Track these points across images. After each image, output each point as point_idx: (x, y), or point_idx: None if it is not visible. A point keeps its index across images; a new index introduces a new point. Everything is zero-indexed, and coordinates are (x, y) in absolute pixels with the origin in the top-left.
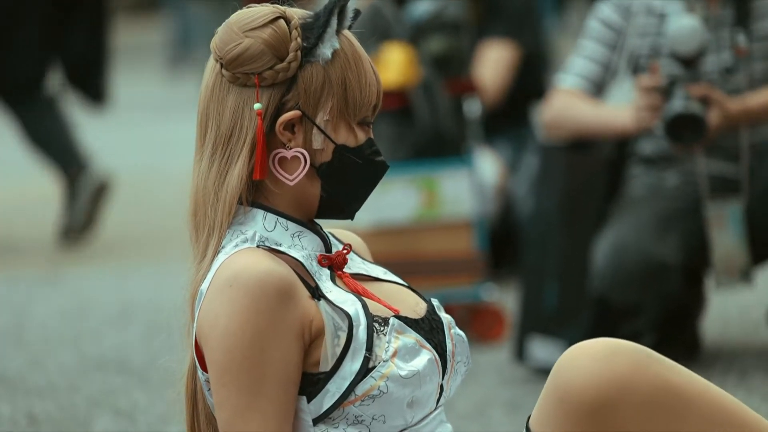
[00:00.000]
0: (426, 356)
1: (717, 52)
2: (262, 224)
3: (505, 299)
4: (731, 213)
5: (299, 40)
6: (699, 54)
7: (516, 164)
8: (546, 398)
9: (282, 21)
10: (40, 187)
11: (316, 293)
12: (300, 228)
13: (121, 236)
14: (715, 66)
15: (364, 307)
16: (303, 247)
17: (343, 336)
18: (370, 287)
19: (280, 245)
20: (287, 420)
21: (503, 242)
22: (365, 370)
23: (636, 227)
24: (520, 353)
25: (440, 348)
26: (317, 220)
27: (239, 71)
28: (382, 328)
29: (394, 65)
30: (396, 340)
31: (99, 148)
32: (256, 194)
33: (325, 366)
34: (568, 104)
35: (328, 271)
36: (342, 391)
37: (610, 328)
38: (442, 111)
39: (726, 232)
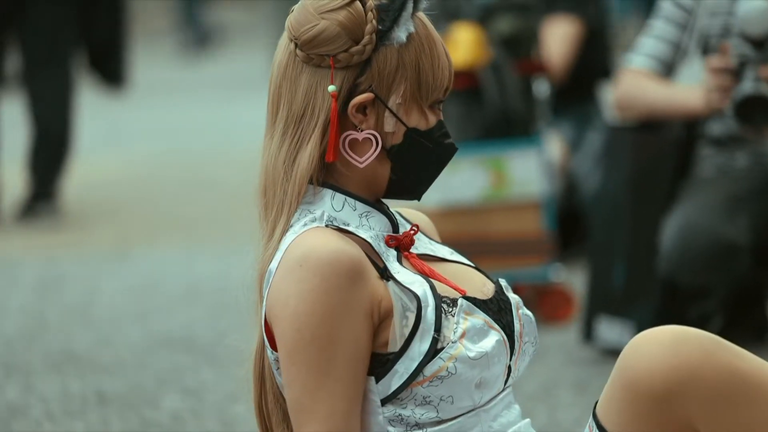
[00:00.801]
0: (495, 337)
1: None
2: (330, 204)
3: (573, 280)
4: None
5: (374, 22)
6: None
7: (578, 142)
8: (613, 385)
9: (358, 3)
10: (108, 165)
11: (385, 274)
12: (368, 208)
13: (189, 215)
14: None
15: (432, 288)
16: (371, 227)
17: (412, 317)
18: (436, 268)
19: (348, 225)
20: (356, 400)
21: (567, 221)
22: (434, 351)
23: (705, 208)
24: (587, 334)
25: (508, 329)
26: (385, 200)
27: (314, 52)
28: (450, 309)
29: (463, 45)
30: (464, 321)
31: (161, 128)
32: (326, 175)
33: (394, 347)
34: (637, 84)
35: (395, 252)
36: (410, 372)
37: (679, 310)
38: (511, 91)
39: None
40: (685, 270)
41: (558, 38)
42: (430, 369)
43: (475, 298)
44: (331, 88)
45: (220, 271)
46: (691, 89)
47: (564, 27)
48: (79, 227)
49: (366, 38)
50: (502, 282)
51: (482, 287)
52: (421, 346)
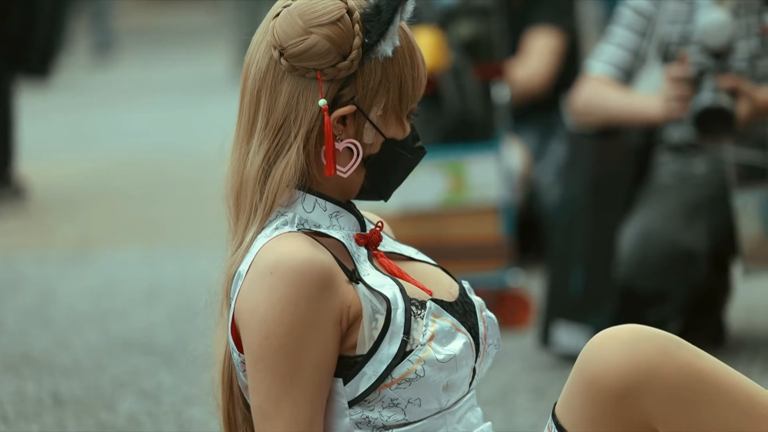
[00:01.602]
0: (462, 340)
1: (746, 38)
2: (301, 206)
3: (531, 285)
4: (759, 200)
5: (361, 35)
6: (728, 47)
7: (541, 152)
8: (572, 384)
9: (347, 17)
10: (69, 166)
11: (354, 276)
12: (337, 208)
13: (150, 217)
14: (744, 53)
15: (402, 290)
16: (341, 227)
17: (381, 319)
18: (404, 267)
19: (320, 226)
20: (320, 406)
21: (528, 231)
22: (402, 354)
23: (663, 214)
24: (545, 339)
25: (473, 331)
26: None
27: (300, 65)
28: (419, 312)
29: (423, 50)
30: (433, 323)
31: (123, 130)
32: (300, 178)
33: (362, 349)
34: (597, 92)
35: (365, 251)
36: (379, 374)
37: (636, 315)
38: (470, 96)
39: (753, 220)
40: (643, 276)
41: (540, 51)
42: (398, 371)
43: (442, 301)
44: (322, 102)
45: (181, 273)
46: (650, 98)
47: (546, 39)
48: (39, 228)
49: (354, 53)
50: (465, 284)
51: (449, 288)
52: (389, 349)
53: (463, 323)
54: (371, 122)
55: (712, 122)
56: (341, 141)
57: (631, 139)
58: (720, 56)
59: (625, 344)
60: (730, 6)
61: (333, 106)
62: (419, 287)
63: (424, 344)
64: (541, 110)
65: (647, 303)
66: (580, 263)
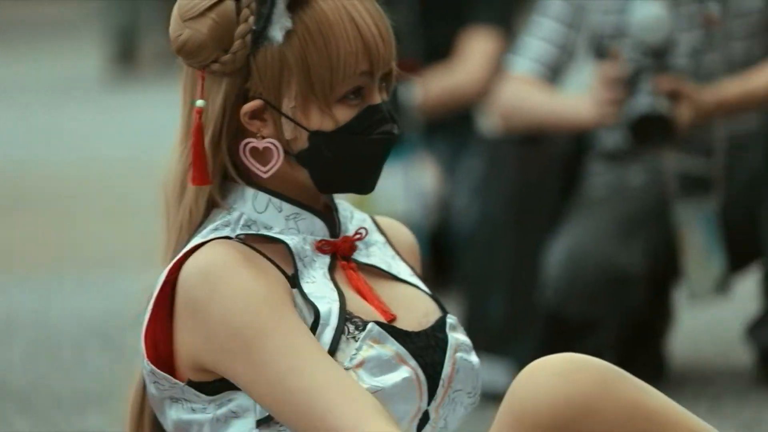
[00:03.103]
0: (403, 374)
1: (688, 30)
2: (251, 204)
3: None
4: (703, 215)
5: (250, 21)
6: (667, 43)
7: (453, 169)
8: (499, 423)
9: (228, 3)
10: None
11: (293, 281)
12: (296, 209)
13: (1, 240)
14: (686, 48)
15: (342, 307)
16: (299, 231)
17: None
18: (381, 285)
19: (271, 229)
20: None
21: (439, 256)
22: None
23: (595, 231)
24: None
25: (431, 368)
26: (343, 202)
27: (187, 62)
28: (356, 333)
29: None
30: (368, 348)
31: None
32: (250, 174)
33: None
34: (521, 94)
35: (327, 259)
36: None
37: (564, 346)
38: None
39: (698, 237)
40: (573, 301)
41: (477, 54)
42: None
43: (394, 327)
44: (199, 102)
45: (39, 304)
46: (579, 99)
47: (484, 41)
48: None
49: (236, 44)
50: (450, 319)
51: (422, 317)
52: None
53: (417, 356)
54: (284, 115)
55: (650, 129)
56: (261, 139)
57: (559, 145)
58: (658, 54)
59: (557, 375)
60: (666, 2)
61: (243, 101)
62: (379, 309)
63: (348, 369)
64: (453, 119)
65: (577, 332)
66: (500, 287)
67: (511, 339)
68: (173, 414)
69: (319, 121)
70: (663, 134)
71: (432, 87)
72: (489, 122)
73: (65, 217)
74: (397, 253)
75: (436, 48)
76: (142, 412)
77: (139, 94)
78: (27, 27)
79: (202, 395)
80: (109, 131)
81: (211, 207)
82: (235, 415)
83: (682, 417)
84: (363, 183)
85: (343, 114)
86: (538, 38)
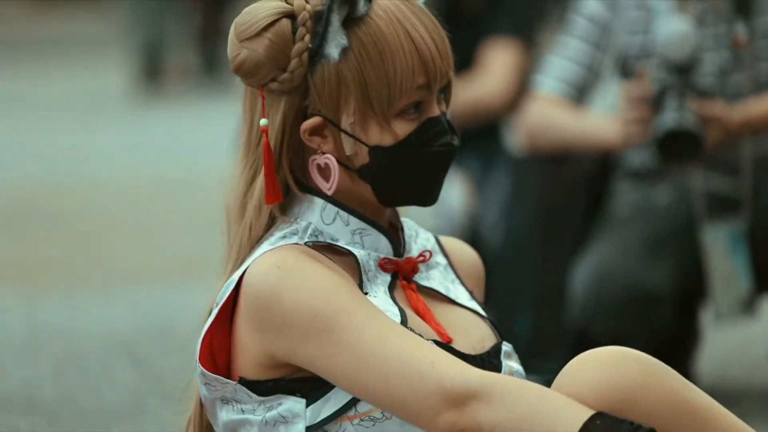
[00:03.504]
0: None
1: (715, 50)
2: (319, 216)
3: None
4: (731, 235)
5: (306, 39)
6: (693, 60)
7: (483, 184)
8: None
9: (284, 22)
10: None
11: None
12: (363, 225)
13: (26, 256)
14: (713, 66)
15: (403, 322)
16: (363, 246)
17: None
18: (439, 309)
19: (337, 241)
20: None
21: None
22: None
23: (622, 251)
24: None
25: None
26: (406, 220)
27: (246, 82)
28: None
29: None
30: None
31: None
32: (313, 190)
33: None
34: (547, 114)
35: (388, 278)
36: (343, 403)
37: None
38: None
39: (725, 257)
40: (599, 320)
41: (499, 66)
42: (364, 406)
43: (451, 347)
44: (263, 122)
45: (67, 319)
46: (607, 120)
47: (506, 53)
48: None
49: (293, 62)
50: (506, 347)
51: (478, 342)
52: None
53: None
54: (343, 131)
55: (678, 146)
56: (321, 155)
57: (585, 164)
58: (684, 71)
59: (604, 364)
60: (695, 14)
61: (303, 119)
62: (437, 331)
63: None
64: (482, 134)
65: None
66: (527, 306)
67: (537, 358)
68: (224, 415)
69: (378, 136)
70: (691, 150)
71: (454, 99)
72: (515, 140)
73: (92, 234)
74: (458, 276)
75: (460, 61)
76: (201, 418)
77: (164, 111)
78: (53, 44)
79: (254, 395)
80: (136, 148)
81: (272, 221)
82: (284, 420)
83: (726, 416)
84: (426, 195)
85: (403, 128)
86: (564, 58)
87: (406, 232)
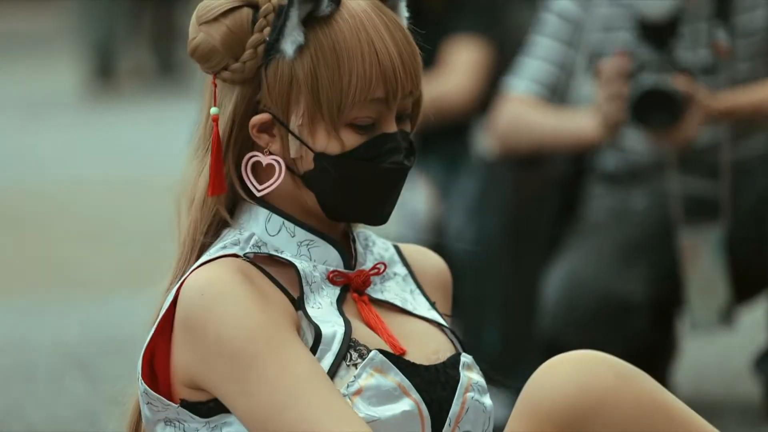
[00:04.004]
0: (404, 406)
1: (693, 49)
2: (264, 226)
3: None
4: (709, 241)
5: (265, 32)
6: (672, 25)
7: (448, 188)
8: (515, 416)
9: (245, 11)
10: None
11: (298, 304)
12: (310, 237)
13: None
14: (690, 65)
15: (347, 333)
16: (311, 259)
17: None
18: (391, 319)
19: (282, 252)
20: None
21: None
22: None
23: (594, 257)
24: None
25: (437, 405)
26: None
27: (201, 67)
28: (359, 360)
29: None
30: (369, 377)
31: None
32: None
33: None
34: (520, 114)
35: (337, 290)
36: None
37: None
38: None
39: (703, 264)
40: (571, 330)
41: (461, 64)
42: None
43: (399, 357)
44: (213, 110)
45: (14, 327)
46: (581, 113)
47: (470, 52)
48: None
49: (247, 53)
50: (465, 358)
51: (432, 353)
52: None
53: (422, 390)
54: (291, 132)
55: (655, 109)
56: (267, 154)
57: (557, 167)
58: (662, 37)
59: (575, 367)
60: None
61: (254, 112)
62: (389, 342)
63: (346, 396)
64: (446, 137)
65: None
66: (496, 316)
67: (506, 369)
68: None
69: (324, 142)
70: (670, 113)
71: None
72: (485, 143)
73: (43, 239)
74: (419, 286)
75: (424, 61)
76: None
77: (117, 111)
78: (2, 42)
79: (197, 417)
80: (88, 149)
81: (219, 223)
82: None
83: (701, 421)
84: (372, 213)
85: (351, 139)
86: (536, 58)
87: (362, 242)
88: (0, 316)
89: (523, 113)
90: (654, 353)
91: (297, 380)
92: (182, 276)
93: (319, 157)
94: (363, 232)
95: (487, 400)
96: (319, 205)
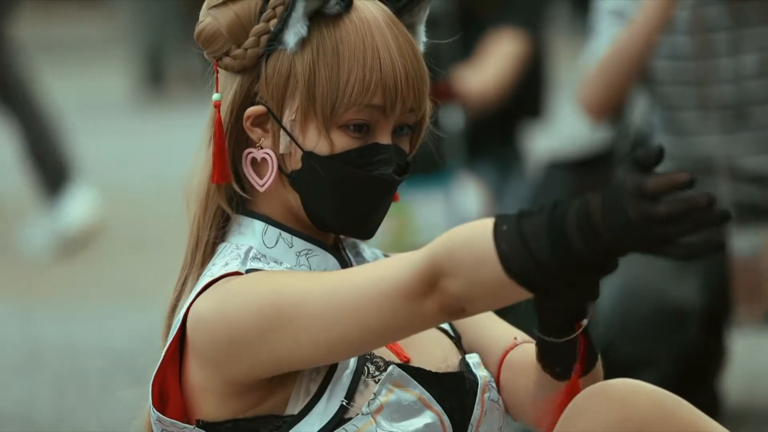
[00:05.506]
0: (426, 419)
1: (732, 56)
2: (261, 239)
3: None
4: (757, 244)
5: (271, 23)
6: None
7: (501, 190)
8: None
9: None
10: None
11: None
12: (308, 246)
13: (24, 264)
14: (728, 74)
15: None
16: (310, 267)
17: (323, 373)
18: None
19: (282, 264)
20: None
21: None
22: (338, 420)
23: (648, 264)
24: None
25: (459, 413)
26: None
27: (205, 52)
28: (377, 374)
29: None
30: (389, 393)
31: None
32: (251, 201)
33: (294, 407)
34: (595, 67)
35: None
36: None
37: None
38: None
39: (751, 266)
40: (625, 337)
41: (498, 56)
42: None
43: (417, 369)
44: (215, 96)
45: (66, 333)
46: (636, 16)
47: (508, 44)
48: None
49: (249, 41)
50: (472, 358)
51: (442, 359)
52: (326, 409)
53: (440, 400)
54: (282, 127)
55: None
56: (260, 149)
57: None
58: None
59: (614, 399)
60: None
61: (250, 105)
62: (393, 351)
63: (368, 414)
64: (498, 139)
65: (629, 369)
66: None
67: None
68: None
69: (314, 141)
70: None
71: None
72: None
73: (93, 246)
74: None
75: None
76: None
77: (167, 116)
78: (54, 48)
79: None
80: (138, 154)
81: (223, 217)
82: None
83: None
84: (358, 224)
85: (342, 142)
86: (603, 36)
87: (351, 250)
88: (50, 323)
89: (597, 63)
90: (707, 360)
91: (324, 281)
92: (185, 285)
93: (308, 156)
94: (350, 241)
95: (495, 394)
96: (303, 208)
